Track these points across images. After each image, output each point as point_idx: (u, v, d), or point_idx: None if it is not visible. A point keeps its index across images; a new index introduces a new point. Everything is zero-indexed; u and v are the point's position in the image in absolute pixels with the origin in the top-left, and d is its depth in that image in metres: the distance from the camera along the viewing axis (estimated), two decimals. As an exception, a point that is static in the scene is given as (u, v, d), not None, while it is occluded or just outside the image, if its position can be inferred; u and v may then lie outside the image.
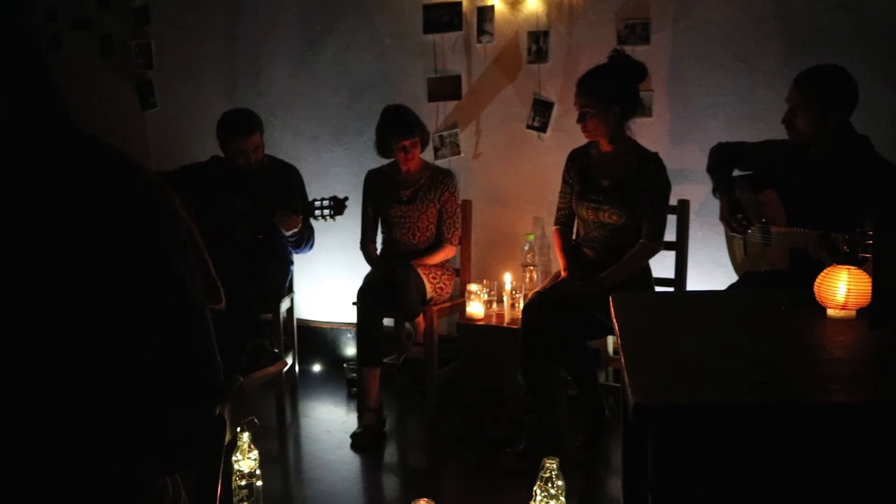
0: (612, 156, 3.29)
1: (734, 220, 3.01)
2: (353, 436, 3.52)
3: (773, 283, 2.89)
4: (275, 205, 3.67)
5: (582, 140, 3.37)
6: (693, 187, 3.33)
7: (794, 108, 2.86)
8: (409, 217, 3.78)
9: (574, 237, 3.49)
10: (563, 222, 3.47)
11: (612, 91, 3.16)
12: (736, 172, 3.15)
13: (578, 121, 3.24)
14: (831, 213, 2.68)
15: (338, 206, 3.68)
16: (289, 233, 3.69)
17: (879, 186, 2.73)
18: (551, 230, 3.59)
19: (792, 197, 2.89)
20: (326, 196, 3.71)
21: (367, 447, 3.47)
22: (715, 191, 3.15)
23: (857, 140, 2.85)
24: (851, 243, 2.52)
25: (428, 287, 3.67)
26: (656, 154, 3.28)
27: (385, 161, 3.85)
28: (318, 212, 3.69)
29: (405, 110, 3.71)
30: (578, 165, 3.39)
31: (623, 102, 3.19)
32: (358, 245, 3.93)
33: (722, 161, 3.16)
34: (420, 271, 3.66)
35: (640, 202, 3.21)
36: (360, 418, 3.59)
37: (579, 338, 3.23)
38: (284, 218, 3.64)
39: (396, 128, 3.65)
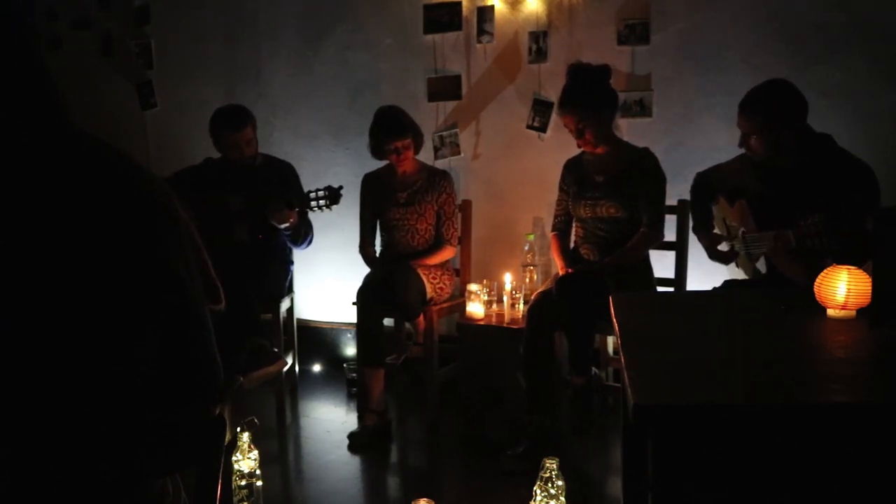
0: (605, 156, 3.36)
1: (718, 256, 3.13)
2: (351, 436, 3.50)
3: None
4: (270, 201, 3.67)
5: None
6: (693, 187, 3.34)
7: (745, 133, 2.89)
8: (407, 219, 3.78)
9: (572, 243, 3.51)
10: (561, 228, 3.53)
11: (597, 98, 3.24)
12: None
13: (577, 137, 3.28)
14: (803, 218, 2.65)
15: (333, 196, 3.67)
16: (282, 226, 3.67)
17: (848, 180, 2.74)
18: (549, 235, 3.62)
19: (760, 205, 2.91)
20: (321, 187, 3.71)
21: (366, 447, 3.46)
22: (694, 229, 3.26)
23: (820, 141, 2.85)
24: (800, 237, 2.57)
25: (428, 287, 3.67)
26: (647, 148, 3.35)
27: (381, 164, 3.85)
28: (313, 203, 3.68)
29: (398, 111, 3.69)
30: (574, 172, 3.46)
31: (608, 103, 3.28)
32: (357, 246, 3.93)
33: (698, 198, 3.24)
34: (420, 271, 3.65)
35: (637, 195, 3.27)
36: (360, 419, 3.58)
37: (587, 302, 3.09)
38: (275, 211, 3.63)
39: (389, 129, 3.64)
